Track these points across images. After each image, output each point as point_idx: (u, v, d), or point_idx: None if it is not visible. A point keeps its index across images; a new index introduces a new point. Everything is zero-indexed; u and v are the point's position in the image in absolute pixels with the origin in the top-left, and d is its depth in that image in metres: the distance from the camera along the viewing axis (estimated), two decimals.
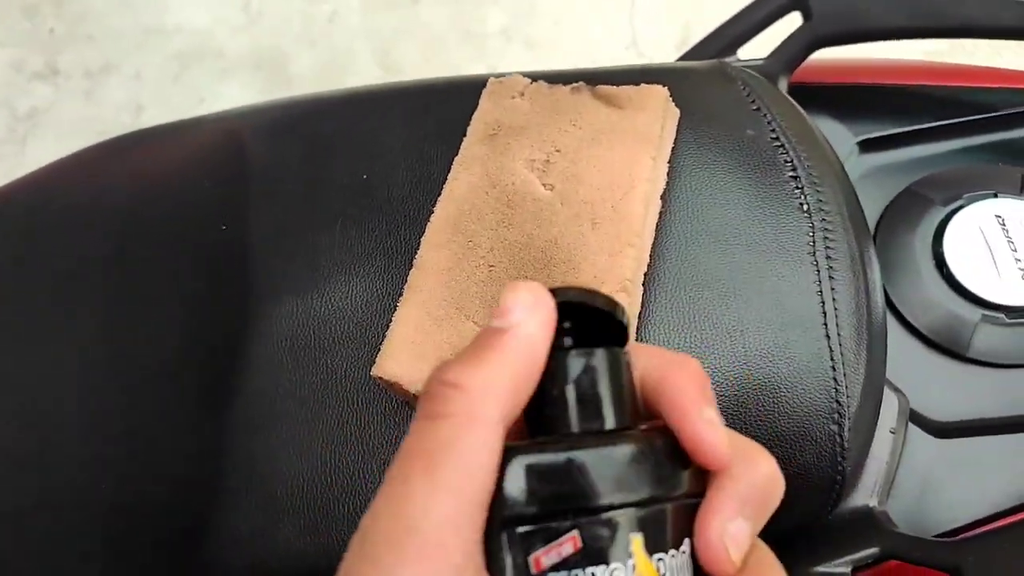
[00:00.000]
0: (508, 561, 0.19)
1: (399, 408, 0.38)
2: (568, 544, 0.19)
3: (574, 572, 0.19)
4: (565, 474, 0.19)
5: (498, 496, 0.19)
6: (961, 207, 0.46)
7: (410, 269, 0.38)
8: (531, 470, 0.20)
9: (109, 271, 0.44)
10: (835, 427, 0.36)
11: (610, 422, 0.21)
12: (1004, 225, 0.44)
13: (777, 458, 0.35)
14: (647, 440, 0.20)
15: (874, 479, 0.41)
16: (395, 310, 0.37)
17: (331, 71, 1.30)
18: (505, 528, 0.19)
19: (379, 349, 0.36)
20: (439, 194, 0.39)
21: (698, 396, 0.21)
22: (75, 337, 0.42)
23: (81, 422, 0.40)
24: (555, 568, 0.19)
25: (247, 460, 0.37)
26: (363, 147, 0.44)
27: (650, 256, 0.38)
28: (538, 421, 0.22)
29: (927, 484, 0.42)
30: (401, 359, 0.35)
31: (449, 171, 0.40)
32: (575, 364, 0.21)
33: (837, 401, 0.37)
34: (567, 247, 0.37)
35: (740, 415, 0.36)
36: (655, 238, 0.39)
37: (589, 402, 0.21)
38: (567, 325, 0.22)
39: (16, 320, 0.44)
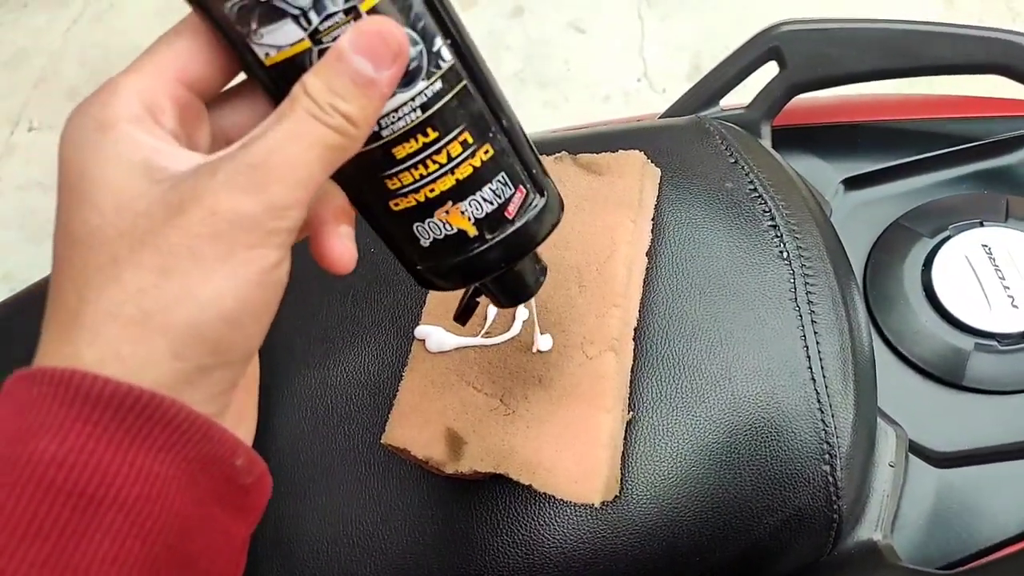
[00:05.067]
0: None
1: (414, 472, 0.40)
2: None
3: None
4: None
5: None
6: (948, 238, 0.47)
7: (414, 339, 0.40)
8: None
9: None
10: (827, 468, 0.38)
11: None
12: (991, 254, 0.45)
13: (771, 502, 0.37)
14: None
15: (877, 513, 0.41)
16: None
17: None
18: None
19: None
20: None
21: None
22: None
23: None
24: None
25: (273, 524, 0.40)
26: None
27: (639, 311, 0.41)
28: None
29: (932, 515, 0.42)
30: (408, 427, 0.38)
31: None
32: None
33: (827, 442, 0.38)
34: (556, 311, 0.39)
35: (731, 461, 0.38)
36: (643, 293, 0.41)
37: None
38: None
39: None
